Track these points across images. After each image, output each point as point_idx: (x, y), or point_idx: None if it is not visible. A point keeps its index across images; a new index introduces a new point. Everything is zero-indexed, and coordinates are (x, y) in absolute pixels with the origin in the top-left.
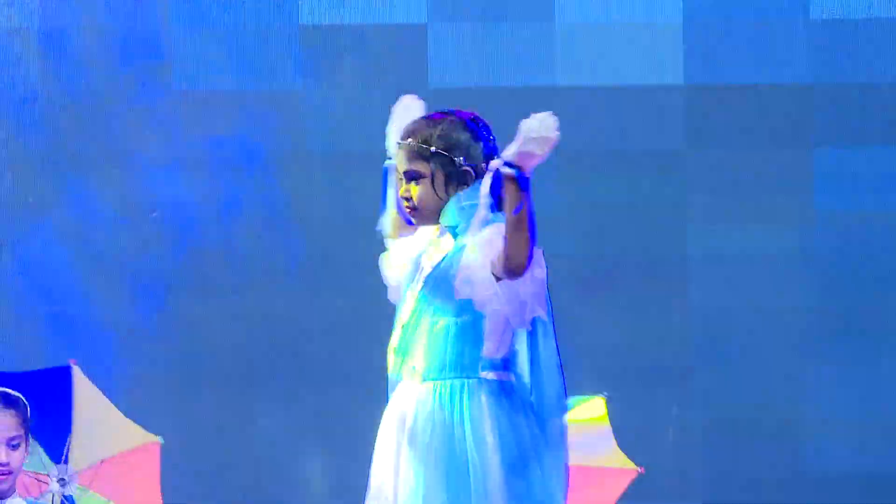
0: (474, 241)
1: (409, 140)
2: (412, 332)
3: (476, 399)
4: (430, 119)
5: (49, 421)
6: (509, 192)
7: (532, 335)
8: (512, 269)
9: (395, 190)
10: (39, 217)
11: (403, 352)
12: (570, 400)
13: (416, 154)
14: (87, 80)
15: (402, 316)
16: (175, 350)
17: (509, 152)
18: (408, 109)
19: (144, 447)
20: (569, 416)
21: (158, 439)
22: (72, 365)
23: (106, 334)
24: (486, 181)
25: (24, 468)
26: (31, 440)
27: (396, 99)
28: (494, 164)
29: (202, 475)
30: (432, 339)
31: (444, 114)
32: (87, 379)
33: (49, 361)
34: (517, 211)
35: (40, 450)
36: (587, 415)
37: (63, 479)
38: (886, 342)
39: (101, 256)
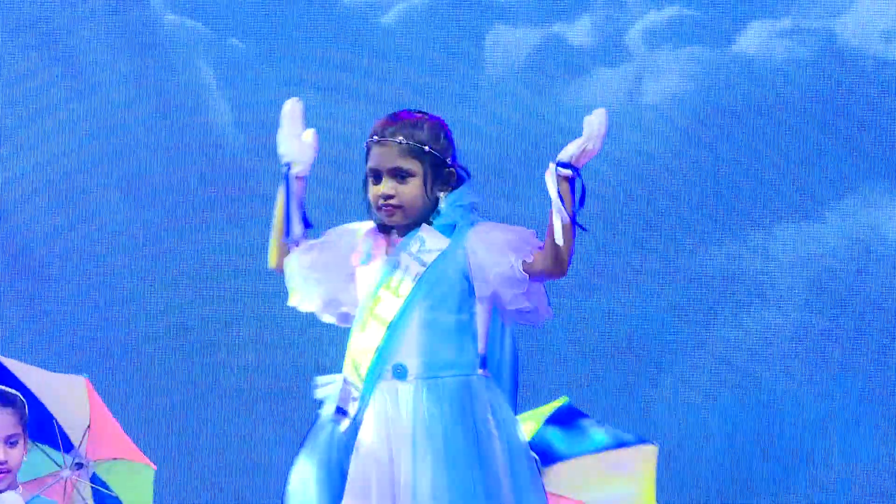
0: (489, 241)
1: (400, 138)
2: (401, 331)
3: (480, 395)
4: (408, 118)
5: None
6: (566, 194)
7: (503, 331)
8: (560, 269)
9: (295, 196)
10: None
11: (388, 351)
12: (618, 439)
13: (408, 152)
14: (88, 75)
15: (382, 314)
16: (164, 350)
17: (570, 153)
18: (294, 115)
19: (89, 394)
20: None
21: (83, 377)
22: None
23: (97, 332)
24: (552, 184)
25: (38, 475)
26: (30, 443)
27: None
28: (552, 166)
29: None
30: (429, 336)
31: (416, 113)
32: (9, 359)
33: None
34: (578, 210)
35: (44, 448)
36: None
37: (80, 464)
38: None
39: (97, 251)
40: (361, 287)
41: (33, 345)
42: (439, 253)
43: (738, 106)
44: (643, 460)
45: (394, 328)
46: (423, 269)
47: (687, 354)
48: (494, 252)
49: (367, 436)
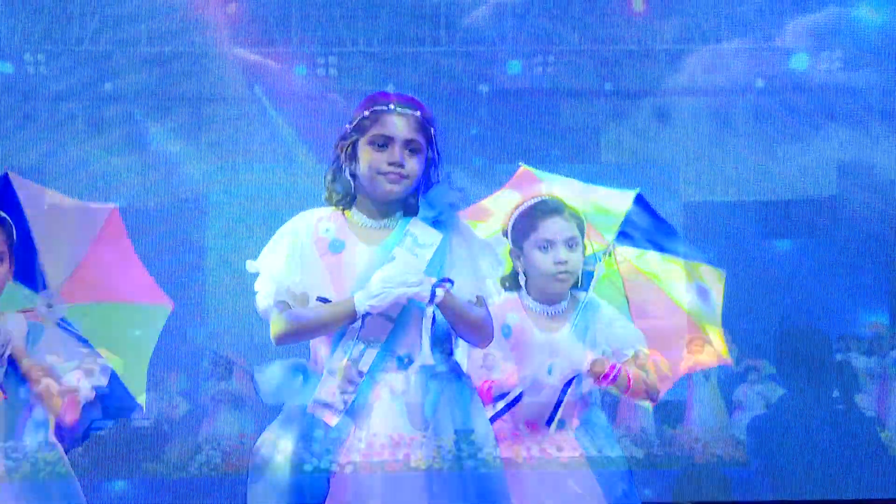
0: (470, 258)
1: (418, 113)
2: (408, 325)
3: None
4: (413, 98)
5: (14, 248)
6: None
7: None
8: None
9: None
10: None
11: (396, 343)
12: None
13: (420, 128)
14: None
15: (384, 308)
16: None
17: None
18: None
19: (107, 224)
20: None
21: (112, 205)
22: (7, 173)
23: None
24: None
25: (13, 311)
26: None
27: None
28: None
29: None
30: (434, 329)
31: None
32: (27, 181)
33: None
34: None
35: (19, 286)
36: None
37: (50, 304)
38: None
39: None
40: (338, 276)
41: None
42: (435, 248)
43: None
44: (717, 279)
45: (401, 323)
46: (425, 264)
47: None
48: (468, 268)
49: (380, 422)
